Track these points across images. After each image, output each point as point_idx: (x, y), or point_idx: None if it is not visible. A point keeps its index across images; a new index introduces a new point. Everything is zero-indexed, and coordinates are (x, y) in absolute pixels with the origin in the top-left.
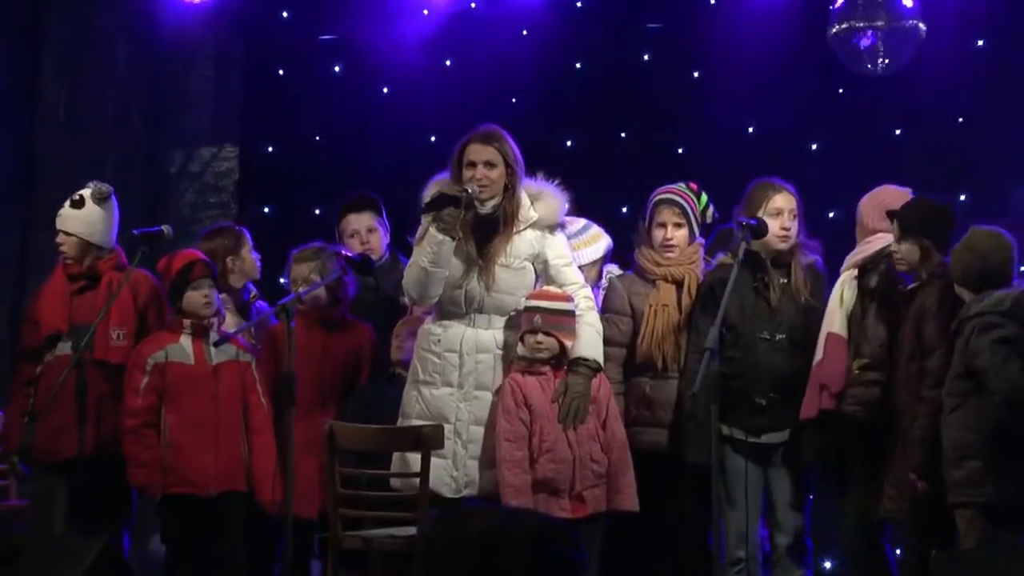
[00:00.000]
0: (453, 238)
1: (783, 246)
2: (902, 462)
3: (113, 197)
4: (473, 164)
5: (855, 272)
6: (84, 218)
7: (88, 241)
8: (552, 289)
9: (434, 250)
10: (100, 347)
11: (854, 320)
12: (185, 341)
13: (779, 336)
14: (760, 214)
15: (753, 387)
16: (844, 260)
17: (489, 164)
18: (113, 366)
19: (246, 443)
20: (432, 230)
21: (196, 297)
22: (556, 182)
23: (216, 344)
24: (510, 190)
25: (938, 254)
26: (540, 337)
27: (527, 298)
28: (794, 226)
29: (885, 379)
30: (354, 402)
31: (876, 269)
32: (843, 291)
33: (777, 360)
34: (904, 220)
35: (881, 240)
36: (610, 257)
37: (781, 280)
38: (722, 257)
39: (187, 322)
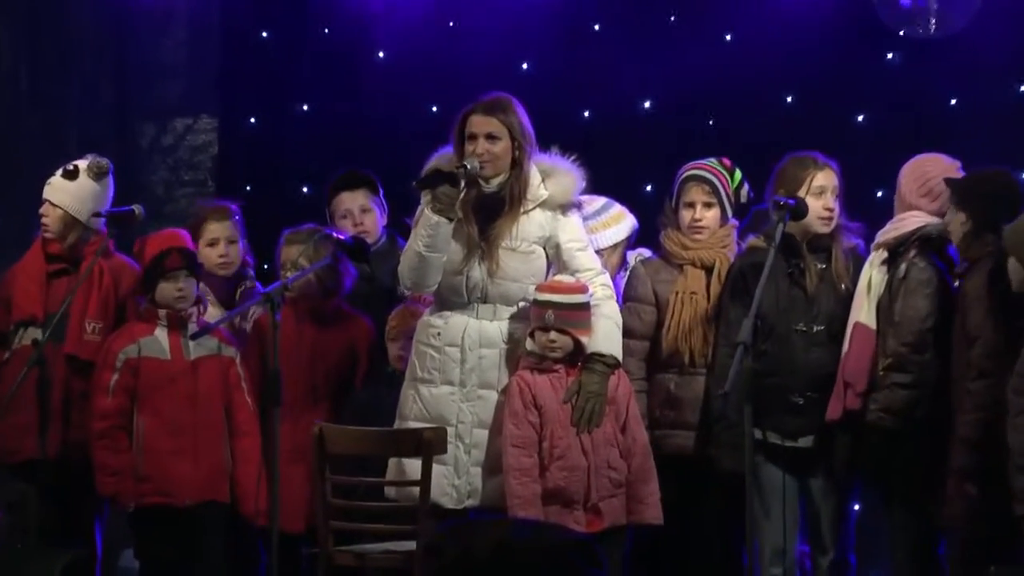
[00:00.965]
0: (450, 219)
1: (825, 229)
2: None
3: (111, 176)
4: (474, 137)
5: (884, 254)
6: (75, 192)
7: (75, 218)
8: (564, 279)
9: (429, 233)
10: (71, 340)
11: (881, 310)
12: (160, 334)
13: (817, 328)
14: (801, 193)
15: (788, 385)
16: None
17: (491, 137)
18: (84, 362)
19: (228, 448)
20: (427, 210)
21: (169, 290)
22: (572, 157)
23: (193, 337)
24: (518, 166)
25: (991, 234)
26: (553, 335)
27: (536, 290)
28: (837, 207)
29: (914, 380)
30: (349, 408)
31: (907, 254)
32: (871, 275)
33: (815, 355)
34: (959, 190)
35: (916, 219)
36: (634, 240)
37: (819, 266)
38: (752, 240)
39: (162, 312)
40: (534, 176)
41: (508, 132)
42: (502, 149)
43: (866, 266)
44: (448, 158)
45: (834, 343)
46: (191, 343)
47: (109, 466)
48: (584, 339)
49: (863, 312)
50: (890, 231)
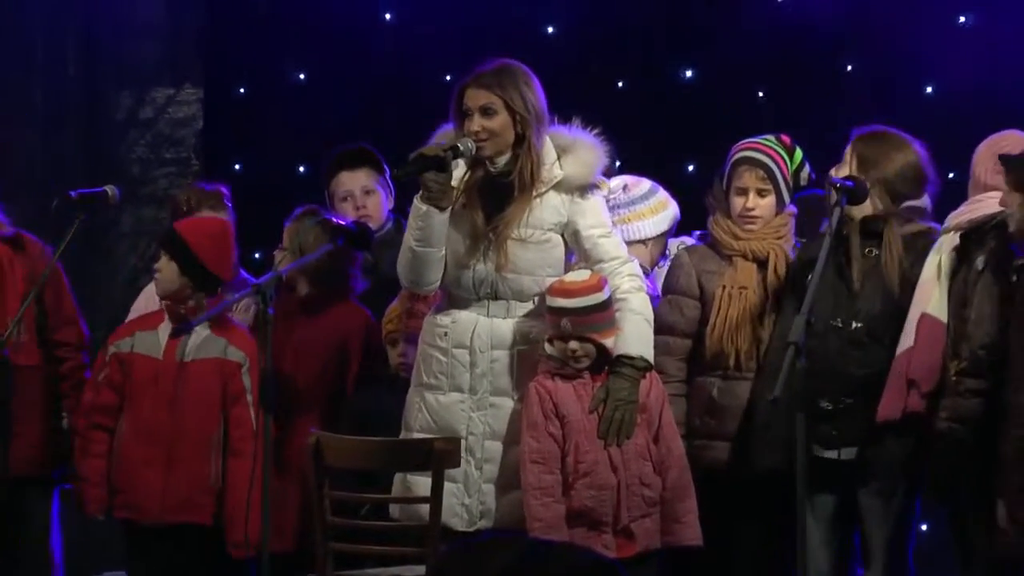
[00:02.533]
0: (442, 208)
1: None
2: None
3: None
4: (469, 112)
5: (956, 238)
6: None
7: None
8: (575, 279)
9: (419, 225)
10: (9, 344)
11: (953, 302)
12: (164, 329)
13: (856, 325)
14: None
15: (819, 387)
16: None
17: (487, 111)
18: (25, 368)
19: (218, 465)
20: (416, 200)
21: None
22: (595, 131)
23: (174, 334)
24: (524, 143)
25: None
26: (573, 344)
27: (548, 294)
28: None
29: (990, 387)
30: (347, 415)
31: (985, 242)
32: (940, 260)
33: (851, 356)
34: (1015, 168)
35: (994, 201)
36: (674, 231)
37: (869, 252)
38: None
39: (164, 304)
40: (547, 154)
41: (505, 105)
42: (500, 125)
43: (933, 251)
44: (451, 135)
45: (875, 344)
46: (189, 342)
47: (79, 469)
48: (609, 342)
49: (932, 303)
50: (964, 213)
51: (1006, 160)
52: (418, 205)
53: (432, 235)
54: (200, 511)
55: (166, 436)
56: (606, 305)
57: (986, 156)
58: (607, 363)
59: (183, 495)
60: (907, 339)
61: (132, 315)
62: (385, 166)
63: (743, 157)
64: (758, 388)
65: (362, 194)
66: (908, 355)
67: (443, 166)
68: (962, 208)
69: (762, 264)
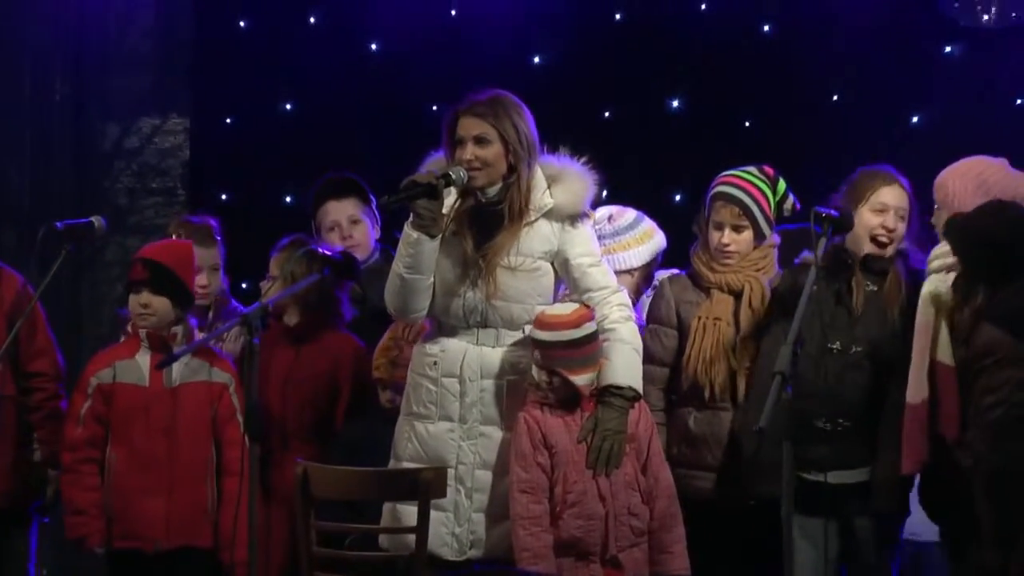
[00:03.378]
0: (432, 236)
1: (877, 250)
2: None
3: None
4: (462, 141)
5: (946, 277)
6: None
7: None
8: (556, 312)
9: (409, 252)
10: None
11: (958, 340)
12: (141, 358)
13: (855, 349)
14: (860, 208)
15: (813, 409)
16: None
17: (480, 141)
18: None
19: (214, 488)
20: (407, 227)
21: (132, 304)
22: (583, 160)
23: (160, 366)
24: (515, 173)
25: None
26: (543, 375)
27: (533, 325)
28: (900, 229)
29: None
30: (337, 448)
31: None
32: (942, 300)
33: (849, 378)
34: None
35: None
36: (661, 260)
37: (869, 287)
38: (807, 256)
39: (143, 332)
40: (538, 183)
41: (499, 136)
42: (493, 155)
43: (927, 291)
44: (440, 163)
45: (874, 368)
46: (175, 368)
47: (74, 503)
48: (581, 379)
49: (941, 348)
50: (948, 251)
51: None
52: (408, 232)
53: (422, 263)
54: (201, 534)
55: (164, 463)
56: (580, 343)
57: (961, 183)
58: (579, 401)
59: (186, 520)
60: (918, 387)
61: None
62: (371, 195)
63: (719, 192)
64: (741, 418)
65: (349, 223)
66: (926, 407)
67: (435, 193)
68: (943, 245)
69: (738, 296)
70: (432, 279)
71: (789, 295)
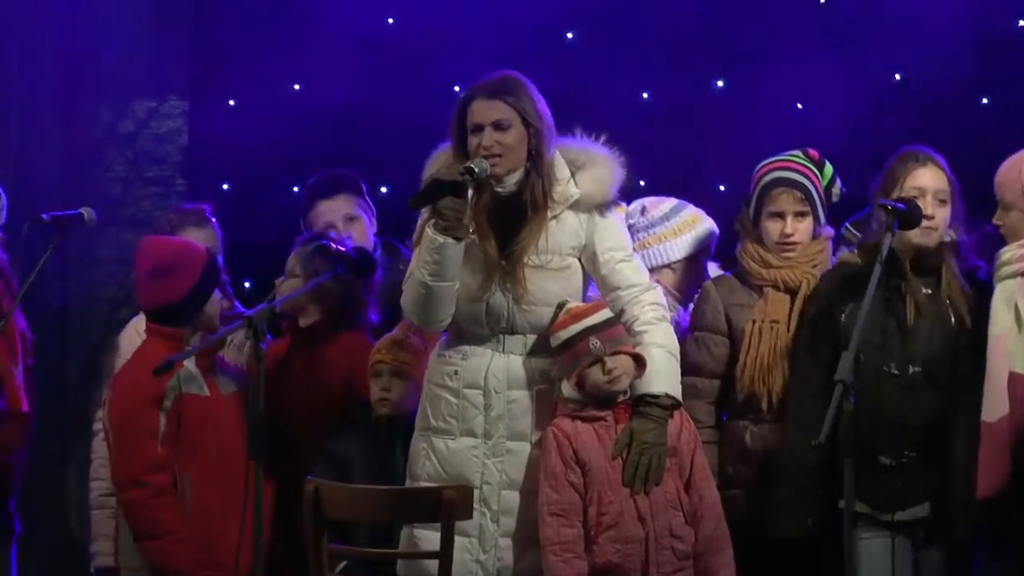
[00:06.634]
0: (459, 239)
1: (922, 240)
2: None
3: None
4: (479, 128)
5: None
6: None
7: None
8: (579, 303)
9: (434, 258)
10: None
11: None
12: (190, 363)
13: (913, 369)
14: (895, 194)
15: (875, 443)
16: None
17: (500, 126)
18: None
19: None
20: (429, 230)
21: (214, 305)
22: (602, 139)
23: (159, 372)
24: (537, 158)
25: None
26: (610, 363)
27: (557, 330)
28: (942, 215)
29: None
30: (322, 464)
31: None
32: (1018, 305)
33: (911, 404)
34: None
35: None
36: (714, 249)
37: (924, 291)
38: (844, 253)
39: (196, 337)
40: (561, 171)
41: (520, 118)
42: (515, 139)
43: (1002, 297)
44: (447, 156)
45: (935, 389)
46: (217, 373)
47: (176, 533)
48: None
49: (1020, 359)
50: (1018, 251)
51: None
52: (432, 236)
53: (447, 268)
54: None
55: (237, 480)
56: (608, 324)
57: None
58: (630, 399)
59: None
60: (996, 403)
61: (123, 354)
62: (363, 186)
63: (777, 178)
64: (782, 436)
65: (345, 222)
66: (1002, 424)
67: (460, 191)
68: (1015, 247)
69: (795, 294)
70: (457, 284)
71: (836, 296)
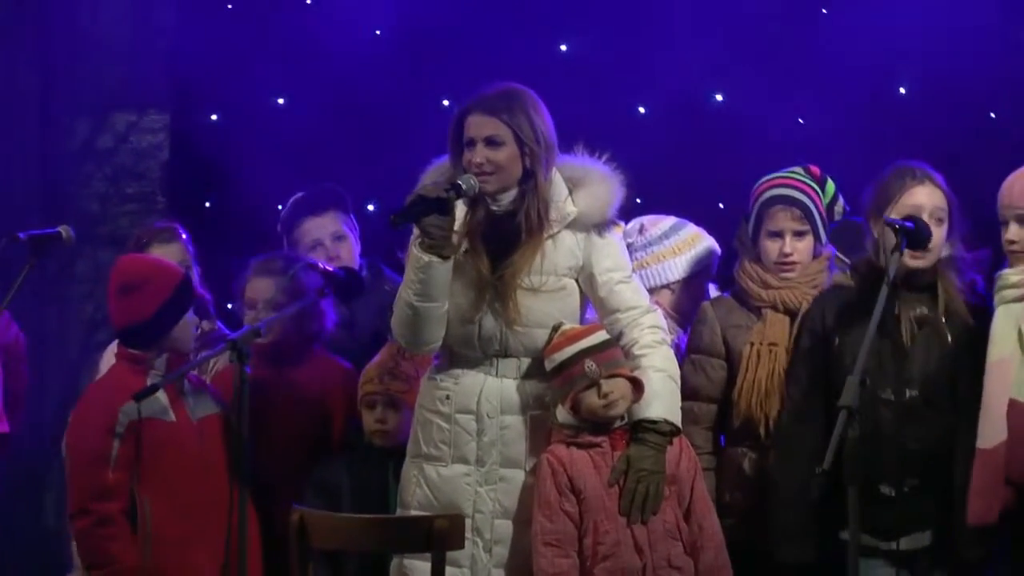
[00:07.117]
0: (444, 257)
1: (916, 262)
2: None
3: None
4: (472, 143)
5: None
6: None
7: None
8: (573, 325)
9: (419, 277)
10: None
11: None
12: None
13: (910, 393)
14: (890, 212)
15: (877, 470)
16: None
17: (492, 142)
18: None
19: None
20: (414, 249)
21: (186, 329)
22: (604, 158)
23: (139, 397)
24: (531, 178)
25: None
26: (605, 386)
27: (552, 353)
28: (938, 234)
29: None
30: (310, 491)
31: None
32: (1021, 327)
33: (910, 430)
34: None
35: None
36: (716, 269)
37: (919, 310)
38: (837, 275)
39: (160, 360)
40: (558, 189)
41: (514, 135)
42: (507, 157)
43: (1002, 322)
44: (445, 169)
45: (934, 412)
46: (190, 398)
47: (124, 562)
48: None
49: (1019, 386)
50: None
51: None
52: (418, 255)
53: (434, 288)
54: None
55: (202, 506)
56: (605, 345)
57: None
58: (627, 425)
59: (222, 568)
60: (994, 429)
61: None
62: (349, 202)
63: (776, 195)
64: (774, 463)
65: (333, 241)
66: (999, 451)
67: (446, 208)
68: (1021, 269)
69: (795, 316)
70: (446, 305)
71: (831, 319)
